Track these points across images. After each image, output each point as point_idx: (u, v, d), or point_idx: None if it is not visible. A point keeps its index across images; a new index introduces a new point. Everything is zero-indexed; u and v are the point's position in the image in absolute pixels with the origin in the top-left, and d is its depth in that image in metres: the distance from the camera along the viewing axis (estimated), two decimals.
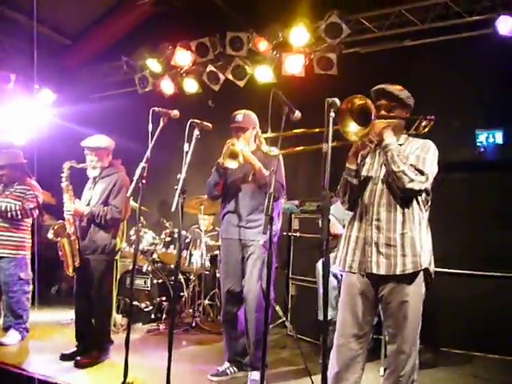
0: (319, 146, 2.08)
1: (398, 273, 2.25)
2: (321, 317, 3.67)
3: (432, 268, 2.37)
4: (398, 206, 2.31)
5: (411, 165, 2.24)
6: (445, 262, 4.46)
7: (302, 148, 2.56)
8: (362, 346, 2.36)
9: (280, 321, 4.71)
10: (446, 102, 4.78)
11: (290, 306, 4.75)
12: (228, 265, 3.35)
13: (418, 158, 2.29)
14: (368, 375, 2.49)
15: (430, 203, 2.42)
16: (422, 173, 2.24)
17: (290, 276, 4.74)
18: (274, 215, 3.12)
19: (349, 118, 2.19)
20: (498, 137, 4.64)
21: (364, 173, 2.44)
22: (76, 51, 6.82)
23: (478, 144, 4.74)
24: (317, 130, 2.28)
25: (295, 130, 2.55)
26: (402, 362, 2.28)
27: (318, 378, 2.18)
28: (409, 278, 2.27)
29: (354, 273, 2.37)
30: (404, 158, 2.27)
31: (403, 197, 2.30)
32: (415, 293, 2.29)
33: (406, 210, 2.31)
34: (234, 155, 3.09)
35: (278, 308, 4.66)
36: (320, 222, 2.31)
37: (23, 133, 6.24)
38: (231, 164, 3.11)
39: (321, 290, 3.62)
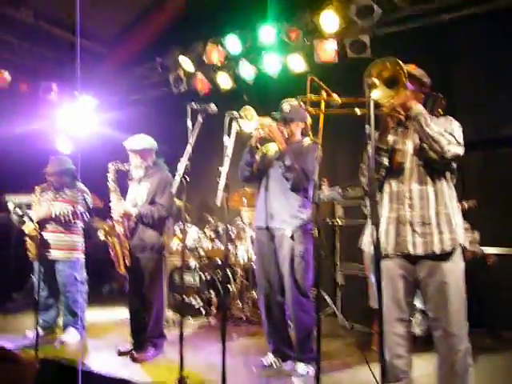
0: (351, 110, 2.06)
1: (436, 251, 2.20)
2: (375, 304, 3.62)
3: (467, 244, 2.29)
4: (428, 183, 2.27)
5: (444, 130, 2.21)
6: (501, 242, 4.30)
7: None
8: (407, 329, 2.33)
9: (330, 311, 4.68)
10: (490, 76, 4.58)
11: (339, 295, 4.70)
12: (260, 255, 3.34)
13: (445, 128, 2.26)
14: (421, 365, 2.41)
15: (454, 182, 2.37)
16: (454, 137, 2.21)
17: (338, 264, 4.70)
18: (305, 203, 3.11)
19: (379, 82, 2.10)
20: None
21: (391, 151, 2.38)
22: (111, 57, 6.99)
23: None
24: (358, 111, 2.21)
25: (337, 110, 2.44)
26: (452, 346, 2.19)
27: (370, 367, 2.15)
28: (447, 257, 2.21)
29: (391, 256, 2.30)
30: (436, 122, 2.24)
31: (436, 169, 2.26)
32: (454, 271, 2.22)
33: (438, 186, 2.28)
34: (251, 117, 3.06)
35: (327, 297, 4.63)
36: (368, 205, 2.27)
37: (68, 140, 6.49)
38: (245, 125, 3.03)
39: (372, 277, 3.56)
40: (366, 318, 4.09)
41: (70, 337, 4.09)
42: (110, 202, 3.68)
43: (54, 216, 4.08)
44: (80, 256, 4.25)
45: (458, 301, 2.21)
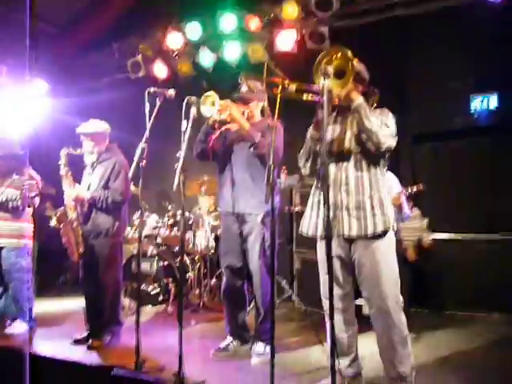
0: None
1: (369, 233, 2.32)
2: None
3: (395, 228, 2.42)
4: (364, 170, 2.40)
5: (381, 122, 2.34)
6: (445, 228, 4.55)
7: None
8: (347, 304, 2.47)
9: (287, 295, 4.78)
10: (441, 70, 4.79)
11: (295, 280, 4.81)
12: (226, 240, 3.36)
13: (382, 120, 2.38)
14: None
15: (386, 170, 2.52)
16: (389, 130, 2.35)
17: (295, 250, 4.79)
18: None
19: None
20: (493, 101, 4.65)
21: (329, 138, 2.47)
22: (66, 40, 6.74)
23: (472, 110, 4.76)
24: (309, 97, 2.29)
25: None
26: (387, 320, 2.32)
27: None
28: (378, 238, 2.34)
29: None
30: (374, 114, 2.36)
31: (371, 157, 2.39)
32: (386, 252, 2.36)
33: (373, 172, 2.40)
34: (213, 103, 3.03)
35: (284, 283, 4.72)
36: (320, 187, 2.37)
37: (18, 125, 6.21)
38: (206, 110, 3.04)
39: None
40: (320, 301, 4.20)
41: (18, 328, 3.91)
42: (63, 189, 3.58)
43: (0, 202, 3.91)
44: (28, 242, 4.05)
45: (390, 279, 2.34)
